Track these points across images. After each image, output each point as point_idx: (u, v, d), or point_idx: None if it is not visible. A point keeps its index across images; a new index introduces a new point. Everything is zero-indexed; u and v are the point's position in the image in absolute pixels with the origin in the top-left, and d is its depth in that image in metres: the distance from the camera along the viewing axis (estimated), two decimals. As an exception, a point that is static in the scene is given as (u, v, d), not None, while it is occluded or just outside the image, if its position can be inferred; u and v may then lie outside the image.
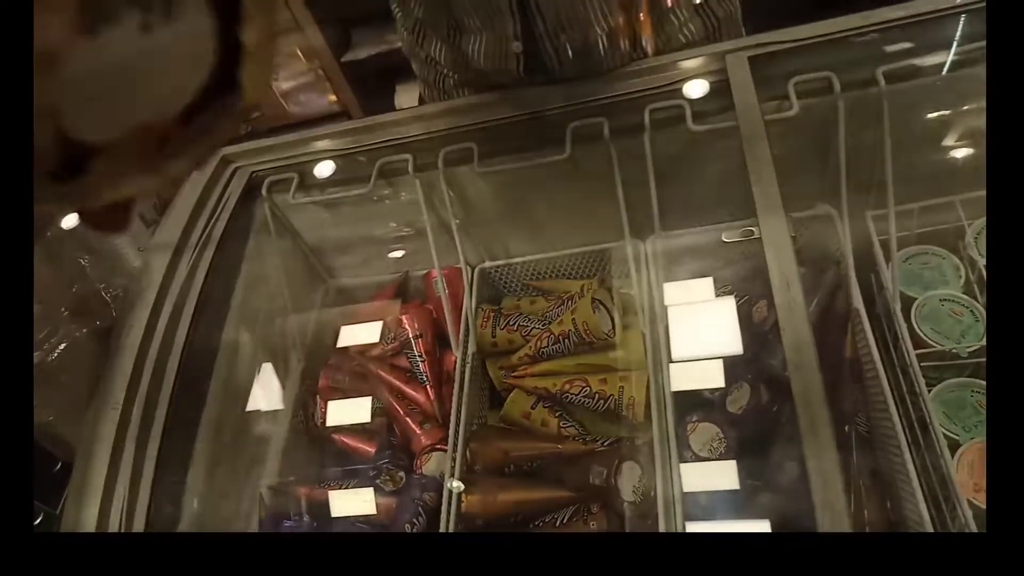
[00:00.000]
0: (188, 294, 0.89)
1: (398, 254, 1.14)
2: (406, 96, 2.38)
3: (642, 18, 0.95)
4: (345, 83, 2.43)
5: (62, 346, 0.84)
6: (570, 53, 0.90)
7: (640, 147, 0.88)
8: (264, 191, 1.00)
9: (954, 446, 0.77)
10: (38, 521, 0.96)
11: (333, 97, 2.48)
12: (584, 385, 0.91)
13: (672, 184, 0.91)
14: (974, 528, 0.70)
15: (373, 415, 1.03)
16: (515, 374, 0.97)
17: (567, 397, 0.92)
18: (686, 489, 0.81)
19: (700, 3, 0.96)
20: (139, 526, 0.74)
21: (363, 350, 1.07)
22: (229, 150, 1.03)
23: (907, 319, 0.85)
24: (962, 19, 0.82)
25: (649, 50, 0.97)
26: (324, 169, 0.99)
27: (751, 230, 0.94)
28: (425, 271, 1.11)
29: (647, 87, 0.90)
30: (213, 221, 0.94)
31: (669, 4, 0.94)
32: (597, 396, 0.91)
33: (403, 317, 1.05)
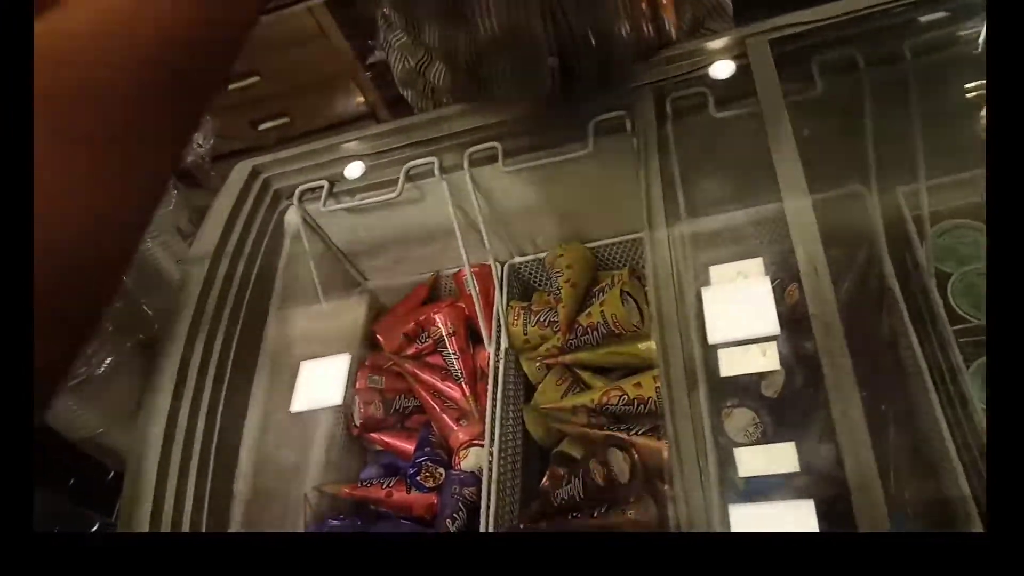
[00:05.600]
0: (225, 303, 0.91)
1: (429, 254, 1.15)
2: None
3: (664, 2, 0.95)
4: (371, 85, 2.46)
5: (108, 360, 0.87)
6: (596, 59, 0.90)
7: (665, 135, 0.88)
8: (296, 200, 1.02)
9: (996, 423, 0.75)
10: (94, 529, 1.00)
11: (360, 99, 2.51)
12: (621, 394, 0.89)
13: (698, 171, 0.90)
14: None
15: (410, 413, 1.05)
16: (546, 359, 0.98)
17: (607, 409, 0.91)
18: (741, 474, 0.80)
19: None
20: (187, 528, 0.77)
21: (398, 349, 1.09)
22: (259, 161, 1.05)
23: (943, 295, 0.84)
24: (987, -13, 0.80)
25: (673, 35, 0.96)
26: (353, 176, 1.01)
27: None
28: (456, 269, 1.13)
29: (667, 76, 0.90)
30: (247, 231, 0.97)
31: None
32: (636, 401, 0.89)
33: (436, 315, 1.07)
